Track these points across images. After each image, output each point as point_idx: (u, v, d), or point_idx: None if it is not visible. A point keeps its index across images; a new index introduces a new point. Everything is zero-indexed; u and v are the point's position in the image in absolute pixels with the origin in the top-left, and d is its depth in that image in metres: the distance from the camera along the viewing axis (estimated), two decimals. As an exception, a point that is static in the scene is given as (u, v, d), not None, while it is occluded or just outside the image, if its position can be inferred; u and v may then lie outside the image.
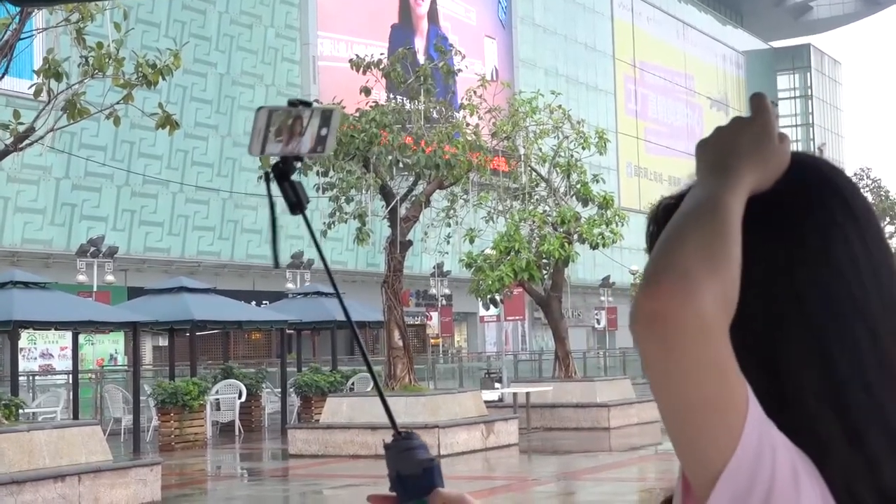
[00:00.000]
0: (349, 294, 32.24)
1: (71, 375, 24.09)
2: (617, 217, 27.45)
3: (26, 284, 21.22)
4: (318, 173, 22.00)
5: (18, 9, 13.45)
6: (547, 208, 28.12)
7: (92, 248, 32.96)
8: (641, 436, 23.43)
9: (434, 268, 41.88)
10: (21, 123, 14.14)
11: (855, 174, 54.92)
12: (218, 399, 25.73)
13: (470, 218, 27.54)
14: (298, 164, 1.57)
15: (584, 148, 27.94)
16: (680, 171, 67.79)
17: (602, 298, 49.39)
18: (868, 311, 1.17)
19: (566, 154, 28.19)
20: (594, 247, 27.31)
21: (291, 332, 29.69)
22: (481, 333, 53.00)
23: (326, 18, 48.54)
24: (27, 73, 20.25)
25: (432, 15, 54.62)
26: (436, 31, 51.76)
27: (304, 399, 27.20)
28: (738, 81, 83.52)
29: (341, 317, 23.95)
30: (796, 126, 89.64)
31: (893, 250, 1.23)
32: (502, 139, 26.91)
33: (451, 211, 25.58)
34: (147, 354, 38.71)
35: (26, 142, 14.33)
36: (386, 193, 21.73)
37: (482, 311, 34.19)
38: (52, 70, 14.01)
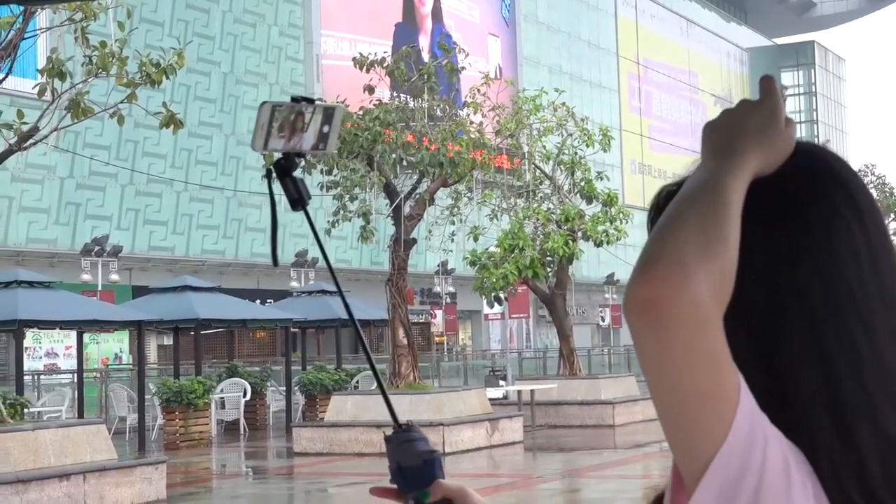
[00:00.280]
0: (353, 292, 32.19)
1: (76, 374, 24.14)
2: (621, 214, 27.44)
3: (31, 284, 21.25)
4: (321, 171, 22.00)
5: (22, 8, 13.46)
6: (551, 206, 28.10)
7: (96, 248, 32.96)
8: (646, 433, 23.42)
9: (438, 266, 41.85)
10: (25, 123, 14.13)
11: (859, 171, 54.67)
12: (223, 398, 25.75)
13: (474, 216, 27.54)
14: (301, 161, 1.58)
15: (587, 145, 27.91)
16: (684, 168, 67.53)
17: (606, 296, 49.34)
18: (867, 305, 1.16)
19: (570, 151, 28.18)
20: (598, 244, 27.31)
21: (296, 330, 29.69)
22: (486, 331, 52.99)
23: (330, 17, 48.53)
24: (31, 72, 20.26)
25: (436, 13, 54.61)
26: (440, 29, 51.71)
27: (309, 397, 27.21)
28: (742, 78, 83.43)
29: (346, 315, 23.94)
30: (800, 123, 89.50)
31: None
32: (506, 137, 26.89)
33: (455, 209, 25.58)
34: (152, 353, 38.74)
35: (30, 141, 14.33)
36: (390, 191, 21.72)
37: (486, 309, 34.16)
38: (55, 69, 14.02)
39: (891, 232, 1.26)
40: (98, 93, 15.92)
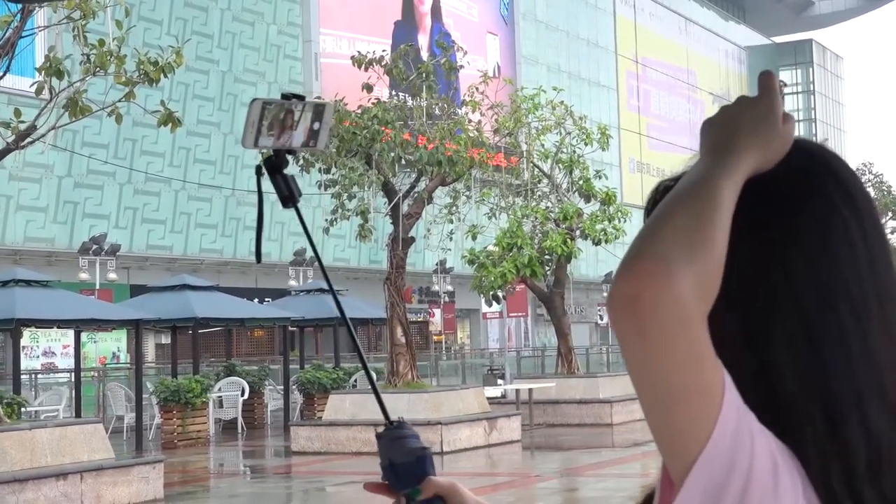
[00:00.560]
0: (352, 291, 32.22)
1: (73, 373, 24.11)
2: (619, 213, 27.44)
3: (29, 282, 21.24)
4: (320, 170, 21.99)
5: (20, 6, 13.45)
6: (549, 204, 28.09)
7: (94, 246, 32.96)
8: (644, 432, 23.35)
9: (437, 264, 41.84)
10: (23, 121, 14.12)
11: (857, 169, 54.83)
12: (221, 396, 25.73)
13: (472, 214, 27.54)
14: (291, 158, 1.57)
15: (586, 144, 27.92)
16: (682, 165, 67.62)
17: (605, 294, 49.05)
18: (863, 302, 1.16)
19: (568, 150, 28.18)
20: (596, 243, 27.30)
21: (294, 329, 29.70)
22: (484, 330, 53.00)
23: (329, 15, 48.52)
24: (29, 71, 20.24)
25: (435, 11, 54.60)
26: (439, 28, 51.71)
27: (307, 396, 27.20)
28: (740, 77, 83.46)
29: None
30: (799, 121, 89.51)
31: (894, 245, 1.22)
32: (504, 135, 26.89)
33: (454, 207, 25.58)
34: (150, 352, 38.72)
35: (28, 140, 14.31)
36: (388, 190, 21.71)
37: (485, 308, 34.21)
38: (53, 68, 14.00)
39: (888, 230, 1.26)
40: (96, 91, 15.91)
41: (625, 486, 16.40)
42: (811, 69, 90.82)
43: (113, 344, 37.60)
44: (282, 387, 27.18)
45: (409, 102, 22.90)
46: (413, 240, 22.04)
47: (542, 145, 28.49)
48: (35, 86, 14.39)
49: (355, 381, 27.44)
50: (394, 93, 24.28)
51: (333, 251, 44.11)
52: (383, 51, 23.39)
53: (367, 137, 20.93)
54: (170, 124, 14.38)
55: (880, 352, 1.15)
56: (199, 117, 42.16)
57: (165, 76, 14.61)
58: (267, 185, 1.59)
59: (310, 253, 38.60)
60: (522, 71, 56.91)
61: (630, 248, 1.10)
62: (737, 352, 1.13)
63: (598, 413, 25.44)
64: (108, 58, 14.31)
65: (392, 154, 21.34)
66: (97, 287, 31.59)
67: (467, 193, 26.24)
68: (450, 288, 43.89)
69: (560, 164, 28.24)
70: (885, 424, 1.13)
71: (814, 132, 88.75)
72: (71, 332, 25.08)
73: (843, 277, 1.16)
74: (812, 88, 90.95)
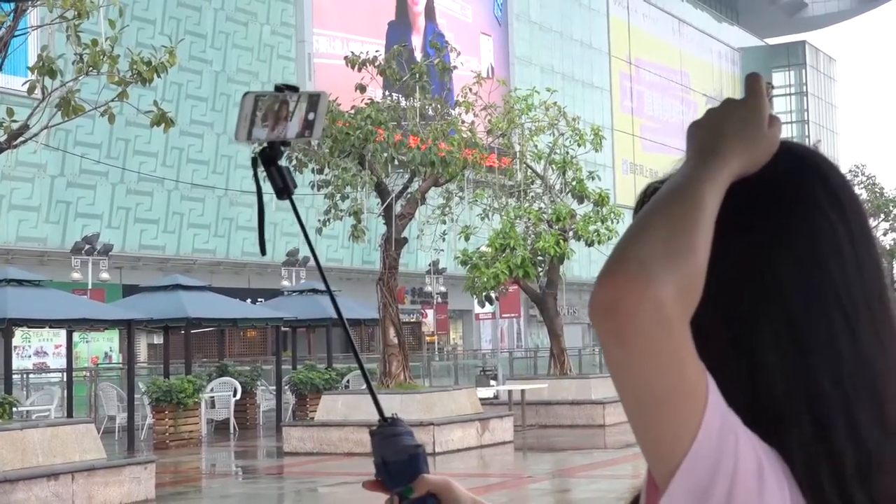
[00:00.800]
0: (344, 291, 32.22)
1: (65, 373, 24.07)
2: (612, 214, 27.45)
3: (20, 282, 21.19)
4: (313, 171, 21.97)
5: (13, 6, 13.43)
6: (542, 205, 28.10)
7: (87, 246, 32.93)
8: (637, 433, 23.39)
9: (429, 265, 41.86)
10: (15, 121, 14.09)
11: (849, 171, 54.86)
12: (213, 397, 25.71)
13: (465, 215, 27.53)
14: (284, 159, 1.56)
15: (579, 145, 27.92)
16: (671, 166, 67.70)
17: (596, 296, 49.35)
18: (849, 302, 1.15)
19: (562, 151, 28.19)
20: (589, 244, 27.31)
21: (287, 329, 29.67)
22: (476, 331, 53.00)
23: (322, 15, 48.50)
24: (21, 70, 20.22)
25: (429, 12, 54.60)
26: (433, 29, 51.73)
27: (300, 397, 27.17)
28: (733, 78, 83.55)
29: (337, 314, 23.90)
30: (791, 123, 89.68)
31: (886, 247, 1.22)
32: (498, 136, 26.89)
33: (447, 208, 25.56)
34: (142, 352, 38.69)
35: (20, 139, 14.28)
36: (381, 191, 21.70)
37: (477, 309, 34.14)
38: (46, 67, 13.96)
39: (880, 232, 1.26)
40: (89, 91, 15.89)
41: (616, 488, 16.40)
42: (804, 71, 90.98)
43: (105, 344, 37.53)
44: (274, 387, 27.15)
45: (403, 103, 22.89)
46: (406, 240, 22.03)
47: (536, 146, 28.51)
48: (27, 84, 14.36)
49: (348, 381, 27.42)
50: (387, 93, 24.27)
51: (326, 251, 44.11)
52: (377, 51, 23.38)
53: (361, 138, 20.92)
54: (163, 124, 14.35)
55: (870, 354, 1.15)
56: (193, 117, 42.13)
57: (158, 76, 14.58)
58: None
59: (303, 252, 38.59)
60: (516, 72, 56.92)
61: (612, 252, 1.10)
62: (721, 354, 1.13)
63: (591, 414, 25.44)
64: (101, 57, 14.28)
65: (385, 154, 21.33)
66: (89, 287, 31.55)
67: (460, 194, 26.23)
68: (442, 289, 43.91)
69: (553, 165, 28.25)
70: (875, 428, 1.13)
71: (807, 134, 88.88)
72: (63, 332, 25.04)
73: (831, 280, 1.16)
74: (805, 90, 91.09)
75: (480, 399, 23.18)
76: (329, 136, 20.72)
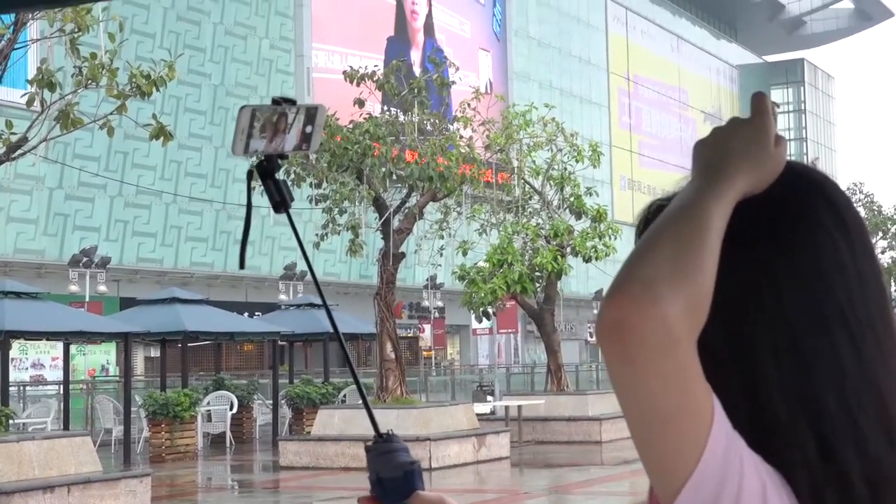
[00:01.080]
0: (342, 306, 32.19)
1: (62, 386, 24.01)
2: (610, 230, 27.45)
3: (18, 294, 21.16)
4: (311, 185, 21.98)
5: (13, 18, 13.44)
6: (540, 221, 28.10)
7: (84, 259, 32.89)
8: (633, 449, 22.82)
9: (427, 280, 41.84)
10: (14, 133, 14.09)
11: (848, 188, 54.98)
12: (209, 410, 25.66)
13: (463, 230, 27.53)
14: (282, 173, 1.56)
15: (577, 161, 27.94)
16: (673, 184, 67.71)
17: (595, 312, 49.26)
18: (852, 319, 1.15)
19: (560, 167, 28.20)
20: (587, 260, 27.31)
21: (283, 343, 29.62)
22: (474, 346, 52.94)
23: (321, 30, 48.57)
24: (20, 82, 20.23)
25: (428, 28, 54.69)
26: (431, 44, 51.79)
27: (296, 411, 27.13)
28: (731, 95, 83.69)
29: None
30: (790, 140, 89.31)
31: (884, 265, 1.22)
32: (496, 152, 26.90)
33: (445, 223, 25.55)
34: (139, 365, 38.62)
35: (19, 152, 14.28)
36: (379, 205, 21.71)
37: (475, 324, 34.12)
38: (45, 80, 13.97)
39: (878, 250, 1.26)
40: (88, 104, 15.90)
41: (613, 504, 16.39)
42: (802, 88, 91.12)
43: (102, 357, 37.49)
44: (270, 401, 27.10)
45: (401, 118, 22.92)
46: (403, 255, 22.03)
47: (534, 162, 28.52)
48: (26, 97, 14.37)
49: (344, 396, 27.39)
50: (386, 108, 24.29)
51: (324, 266, 44.09)
52: (375, 66, 23.40)
53: (359, 152, 20.93)
54: (161, 137, 14.36)
55: (875, 372, 1.14)
56: (191, 130, 42.16)
57: (157, 89, 14.59)
58: (258, 196, 1.59)
59: (301, 266, 38.56)
60: (514, 87, 57.00)
61: (618, 273, 1.09)
62: (725, 373, 1.12)
63: (588, 430, 25.40)
64: (101, 70, 14.29)
65: (383, 169, 21.35)
66: (87, 299, 31.51)
67: (458, 209, 26.23)
68: (440, 304, 43.86)
69: (551, 181, 28.26)
70: (883, 448, 1.12)
71: (805, 151, 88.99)
72: (60, 345, 24.99)
73: (834, 297, 1.16)
74: (803, 107, 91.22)
75: (477, 414, 23.14)
76: (327, 150, 20.73)
